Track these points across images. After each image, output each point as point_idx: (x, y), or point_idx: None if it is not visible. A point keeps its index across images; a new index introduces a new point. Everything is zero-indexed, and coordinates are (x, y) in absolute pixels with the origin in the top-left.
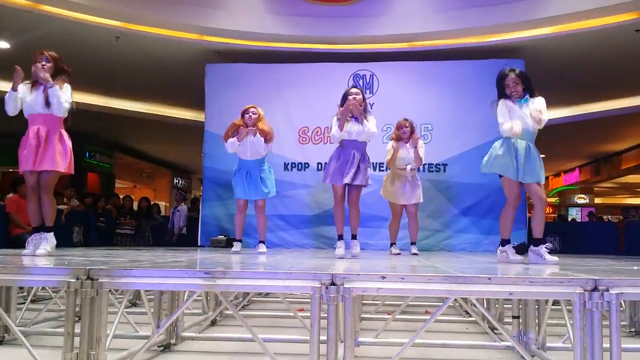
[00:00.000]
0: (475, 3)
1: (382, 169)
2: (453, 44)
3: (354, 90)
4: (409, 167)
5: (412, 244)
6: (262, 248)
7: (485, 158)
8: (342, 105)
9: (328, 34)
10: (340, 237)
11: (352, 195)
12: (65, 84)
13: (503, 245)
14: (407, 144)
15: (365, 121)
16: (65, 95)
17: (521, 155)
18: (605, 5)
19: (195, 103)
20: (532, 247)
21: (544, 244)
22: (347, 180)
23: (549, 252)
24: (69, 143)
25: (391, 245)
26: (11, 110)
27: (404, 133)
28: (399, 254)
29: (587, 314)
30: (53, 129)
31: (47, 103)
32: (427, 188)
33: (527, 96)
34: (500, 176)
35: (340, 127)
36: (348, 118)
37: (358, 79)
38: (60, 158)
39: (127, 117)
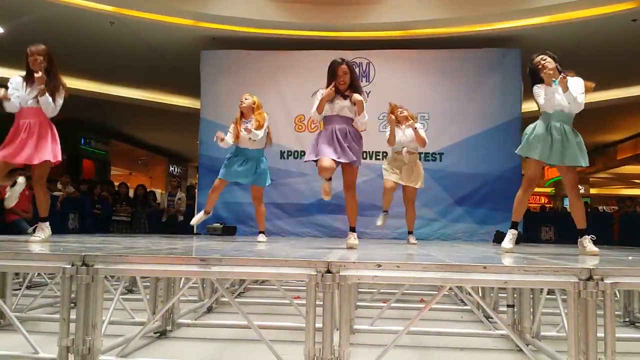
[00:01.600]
0: None
1: (378, 157)
2: (449, 33)
3: (342, 68)
4: (404, 149)
5: (409, 233)
6: (262, 238)
7: (522, 142)
8: (329, 80)
9: (324, 22)
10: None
11: (344, 179)
12: (61, 88)
13: (511, 228)
14: (403, 126)
15: (358, 109)
16: (58, 101)
17: (557, 139)
18: None
19: (191, 90)
20: (579, 238)
21: (588, 235)
22: (333, 156)
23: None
24: (56, 133)
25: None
26: (13, 111)
27: (401, 113)
28: (380, 224)
29: (581, 303)
30: (44, 122)
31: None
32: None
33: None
34: (526, 157)
35: (319, 110)
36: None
37: (354, 66)
38: (54, 150)
39: (122, 104)
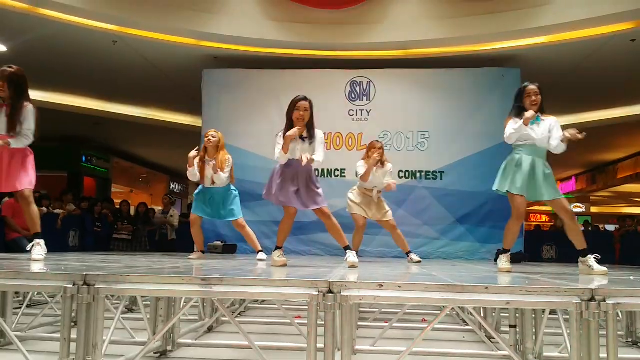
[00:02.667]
0: (471, 11)
1: (400, 175)
2: (450, 52)
3: (302, 104)
4: (375, 189)
5: (408, 253)
6: (262, 256)
7: (497, 179)
8: (288, 116)
9: (325, 41)
10: (278, 248)
11: (318, 215)
12: (28, 110)
13: (502, 253)
14: (377, 168)
15: (314, 146)
16: (27, 125)
17: (525, 172)
18: (600, 15)
19: (193, 108)
20: (580, 258)
21: (591, 254)
22: (300, 206)
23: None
24: (31, 158)
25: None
26: None
27: (376, 156)
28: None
29: (584, 324)
30: (17, 150)
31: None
32: (423, 196)
33: (539, 114)
34: (507, 192)
35: (285, 150)
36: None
37: (355, 85)
38: (29, 177)
39: (124, 122)
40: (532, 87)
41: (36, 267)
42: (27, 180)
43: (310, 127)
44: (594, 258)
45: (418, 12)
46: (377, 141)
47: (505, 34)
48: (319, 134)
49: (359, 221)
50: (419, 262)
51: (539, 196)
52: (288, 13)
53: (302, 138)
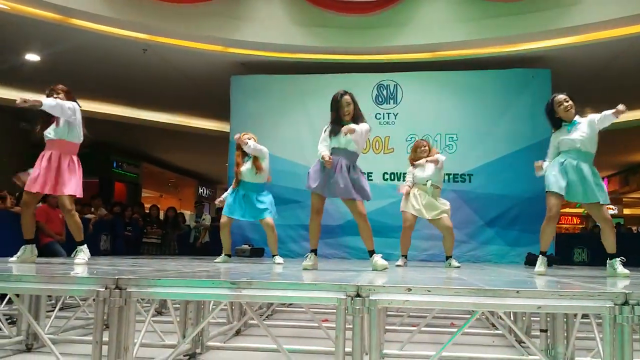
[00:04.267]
0: (499, 12)
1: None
2: (477, 54)
3: (345, 99)
4: (429, 182)
5: (448, 257)
6: (279, 259)
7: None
8: (333, 110)
9: (352, 45)
10: (313, 251)
11: (351, 209)
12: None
13: (541, 255)
14: (424, 161)
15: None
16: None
17: (569, 173)
18: (631, 15)
19: (221, 114)
20: (608, 260)
21: (618, 257)
22: (333, 194)
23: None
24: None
25: (401, 256)
26: None
27: (423, 152)
28: (400, 265)
29: (617, 328)
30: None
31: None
32: (452, 199)
33: (577, 117)
34: (546, 191)
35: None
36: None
37: (382, 89)
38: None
39: (153, 128)
40: (560, 95)
41: (78, 270)
42: (71, 187)
43: (357, 118)
44: (620, 261)
45: (445, 14)
46: (422, 139)
47: (534, 35)
48: (364, 125)
49: (407, 217)
50: (458, 267)
51: (591, 197)
52: (314, 18)
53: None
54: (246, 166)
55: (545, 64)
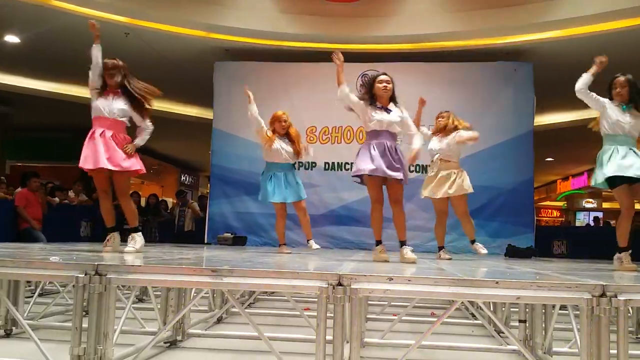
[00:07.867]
0: (484, 5)
1: (411, 169)
2: (462, 46)
3: (384, 77)
4: (437, 156)
5: (473, 241)
6: (313, 244)
7: (595, 172)
8: (365, 91)
9: (336, 34)
10: (379, 242)
11: (391, 194)
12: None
13: (619, 252)
14: (439, 135)
15: (397, 110)
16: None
17: (624, 156)
18: (615, 9)
19: (204, 100)
20: (616, 255)
21: (627, 251)
22: (389, 172)
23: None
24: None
25: (439, 249)
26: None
27: (439, 123)
28: (449, 259)
29: (594, 320)
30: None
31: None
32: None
33: (632, 105)
34: (611, 187)
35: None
36: (377, 106)
37: (366, 78)
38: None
39: None
40: (621, 78)
41: (128, 258)
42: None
43: (393, 99)
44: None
45: (431, 5)
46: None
47: (519, 28)
48: (405, 111)
49: (435, 206)
50: (449, 259)
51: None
52: (299, 5)
53: (386, 110)
54: (286, 147)
55: (530, 56)
